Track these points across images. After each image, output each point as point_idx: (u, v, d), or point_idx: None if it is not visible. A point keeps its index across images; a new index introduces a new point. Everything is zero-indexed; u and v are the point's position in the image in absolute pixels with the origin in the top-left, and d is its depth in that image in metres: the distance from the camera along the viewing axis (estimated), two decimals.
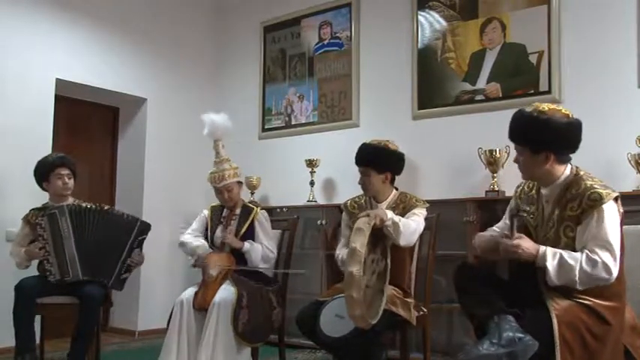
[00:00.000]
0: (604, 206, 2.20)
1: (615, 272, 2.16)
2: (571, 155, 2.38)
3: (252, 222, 3.60)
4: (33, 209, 3.75)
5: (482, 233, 2.61)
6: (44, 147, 4.55)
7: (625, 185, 3.58)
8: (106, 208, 3.81)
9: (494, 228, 2.62)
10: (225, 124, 3.81)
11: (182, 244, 3.66)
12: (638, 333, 2.31)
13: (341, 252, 3.15)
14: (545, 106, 2.34)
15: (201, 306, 3.29)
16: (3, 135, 4.35)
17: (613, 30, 3.84)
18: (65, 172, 3.75)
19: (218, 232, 3.60)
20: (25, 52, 4.56)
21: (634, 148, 3.59)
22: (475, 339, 2.32)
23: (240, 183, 3.72)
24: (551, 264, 2.18)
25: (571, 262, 2.16)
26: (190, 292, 3.41)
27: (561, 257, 2.19)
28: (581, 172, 2.35)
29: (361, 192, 3.27)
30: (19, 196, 4.31)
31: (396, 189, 3.28)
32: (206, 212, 3.77)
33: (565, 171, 2.35)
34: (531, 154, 2.33)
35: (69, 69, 4.82)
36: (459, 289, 2.48)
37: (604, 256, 2.15)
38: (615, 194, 2.24)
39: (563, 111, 2.33)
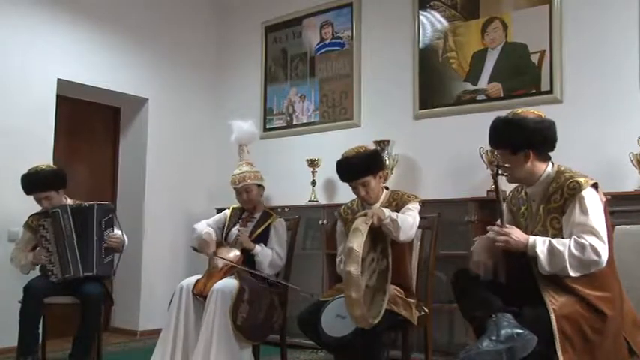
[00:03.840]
0: (583, 193, 2.28)
1: (604, 255, 2.20)
2: (557, 153, 2.45)
3: (269, 227, 3.63)
4: (32, 215, 3.76)
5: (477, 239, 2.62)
6: (46, 147, 4.57)
7: (627, 185, 3.58)
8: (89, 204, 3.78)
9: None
10: (253, 130, 4.01)
11: (193, 230, 3.70)
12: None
13: (341, 257, 3.15)
14: (519, 110, 2.50)
15: (200, 291, 3.33)
16: (4, 135, 4.36)
17: (614, 30, 3.84)
18: (41, 195, 3.66)
19: (233, 230, 3.63)
20: (27, 52, 4.56)
21: (636, 148, 3.59)
22: (475, 340, 2.33)
23: (260, 187, 3.75)
24: (541, 250, 2.24)
25: (560, 247, 2.22)
26: (192, 278, 3.46)
27: (550, 243, 2.24)
28: (562, 168, 2.44)
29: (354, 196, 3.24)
30: (20, 196, 4.30)
31: (387, 188, 3.27)
32: (227, 212, 3.82)
33: (547, 169, 2.44)
34: (511, 155, 2.42)
35: (70, 69, 4.82)
36: (457, 292, 2.51)
37: (591, 239, 2.21)
38: (593, 181, 2.34)
39: (536, 112, 2.46)
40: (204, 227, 3.67)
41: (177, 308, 3.37)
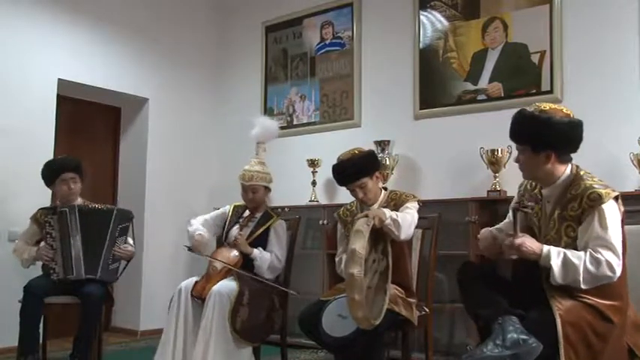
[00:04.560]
0: (604, 206, 2.21)
1: (619, 271, 2.17)
2: (572, 155, 2.38)
3: (269, 229, 3.61)
4: (41, 208, 3.76)
5: (484, 231, 2.60)
6: (46, 147, 4.56)
7: (627, 185, 3.58)
8: (109, 207, 3.83)
9: (497, 226, 2.62)
10: (276, 129, 3.99)
11: (188, 223, 3.68)
12: None
13: (340, 257, 3.16)
14: (547, 106, 2.35)
15: (199, 293, 3.32)
16: (5, 135, 4.36)
17: (615, 29, 3.84)
18: (69, 176, 3.73)
19: (234, 230, 3.62)
20: (27, 52, 4.56)
21: (636, 148, 3.59)
22: (479, 340, 2.32)
23: (267, 189, 3.72)
24: (555, 263, 2.19)
25: (575, 261, 2.17)
26: (191, 280, 3.45)
27: (565, 256, 2.19)
28: (581, 172, 2.36)
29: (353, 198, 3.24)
30: (21, 196, 4.32)
31: (385, 189, 3.27)
32: (228, 208, 3.80)
33: (566, 171, 2.36)
34: (532, 154, 2.33)
35: (71, 69, 4.82)
36: (462, 286, 2.49)
37: (607, 255, 2.16)
38: (615, 193, 2.25)
39: (564, 110, 2.34)
40: (198, 225, 3.63)
41: (177, 310, 3.35)
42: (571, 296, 2.21)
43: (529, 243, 2.24)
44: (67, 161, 3.79)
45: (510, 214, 2.55)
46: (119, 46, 5.17)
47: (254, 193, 3.65)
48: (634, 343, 2.27)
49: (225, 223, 3.74)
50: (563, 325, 2.13)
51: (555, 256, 2.20)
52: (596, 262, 2.16)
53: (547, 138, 2.28)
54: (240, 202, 3.79)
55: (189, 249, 3.54)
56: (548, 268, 2.21)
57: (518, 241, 2.25)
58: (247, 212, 3.71)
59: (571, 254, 2.19)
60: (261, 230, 3.60)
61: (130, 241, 3.81)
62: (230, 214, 3.76)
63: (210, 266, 3.46)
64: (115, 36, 5.14)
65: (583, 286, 2.17)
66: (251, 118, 3.99)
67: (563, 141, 2.30)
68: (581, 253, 2.19)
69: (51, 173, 3.74)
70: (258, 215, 3.69)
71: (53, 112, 4.70)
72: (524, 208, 2.34)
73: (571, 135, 2.30)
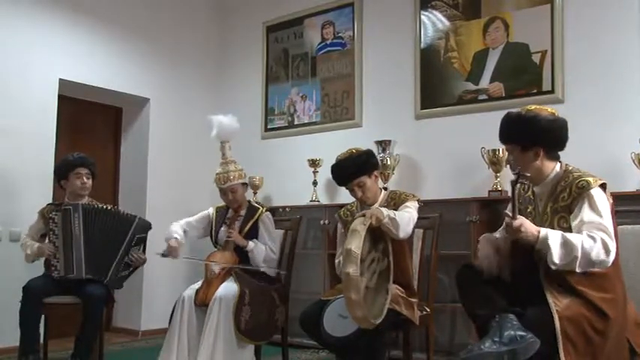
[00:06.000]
0: (592, 191, 2.26)
1: (613, 253, 2.19)
2: (560, 153, 2.43)
3: (257, 222, 3.62)
4: (50, 203, 3.78)
5: (484, 237, 2.57)
6: (47, 147, 4.57)
7: (628, 185, 3.58)
8: (116, 208, 3.83)
9: (494, 234, 2.61)
10: (234, 125, 3.85)
11: (169, 229, 3.65)
12: None
13: (340, 259, 3.16)
14: (532, 106, 2.46)
15: (202, 302, 3.32)
16: (6, 135, 4.36)
17: (616, 29, 3.83)
18: (84, 171, 3.76)
19: (222, 231, 3.61)
20: (28, 53, 4.56)
21: (637, 148, 3.58)
22: (477, 339, 2.32)
23: (244, 185, 3.73)
24: (554, 243, 2.20)
25: (573, 240, 2.19)
26: (192, 289, 3.44)
27: (563, 236, 2.21)
28: (570, 167, 2.42)
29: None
30: (22, 196, 4.32)
31: (385, 189, 3.27)
32: (211, 210, 3.78)
33: (555, 168, 2.42)
34: (521, 152, 2.39)
35: (72, 69, 4.83)
36: (461, 288, 2.50)
37: (601, 235, 2.19)
38: (602, 181, 2.31)
39: (549, 110, 2.43)
40: (176, 229, 3.62)
41: (180, 320, 3.32)
42: (568, 292, 2.22)
43: (527, 225, 2.25)
44: (85, 158, 3.82)
45: (509, 192, 2.54)
46: (120, 46, 5.18)
47: (233, 193, 3.64)
48: (634, 341, 2.28)
49: (210, 226, 3.73)
50: (561, 321, 2.14)
51: (553, 236, 2.21)
52: (592, 240, 2.18)
53: (534, 134, 2.35)
54: (221, 203, 3.78)
55: (163, 255, 3.50)
56: (545, 258, 2.21)
57: (516, 223, 2.25)
58: (230, 212, 3.70)
59: (569, 235, 2.22)
60: (249, 225, 3.60)
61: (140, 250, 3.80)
62: (214, 217, 3.74)
63: (208, 271, 3.44)
64: (115, 36, 5.15)
65: (577, 269, 2.18)
66: (209, 118, 3.88)
67: (550, 136, 2.37)
68: (578, 234, 2.22)
69: (67, 166, 3.76)
70: (243, 212, 3.67)
71: (54, 112, 4.71)
72: (523, 177, 2.34)
73: (556, 130, 2.37)
